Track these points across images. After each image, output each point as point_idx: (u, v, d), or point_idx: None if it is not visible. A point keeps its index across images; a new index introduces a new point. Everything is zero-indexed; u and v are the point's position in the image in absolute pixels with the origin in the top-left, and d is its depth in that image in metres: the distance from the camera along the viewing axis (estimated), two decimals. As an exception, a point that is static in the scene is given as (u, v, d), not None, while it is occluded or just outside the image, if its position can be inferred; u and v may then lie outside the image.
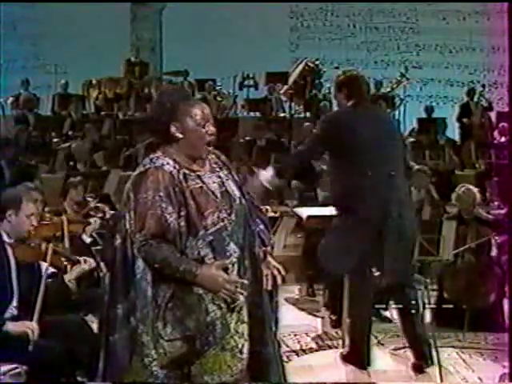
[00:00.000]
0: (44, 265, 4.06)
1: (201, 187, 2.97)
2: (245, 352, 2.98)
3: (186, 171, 2.97)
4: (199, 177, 3.00)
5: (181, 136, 2.99)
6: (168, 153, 3.00)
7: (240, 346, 2.96)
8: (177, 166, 2.96)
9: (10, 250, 3.99)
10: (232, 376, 2.95)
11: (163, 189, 2.89)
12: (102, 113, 13.02)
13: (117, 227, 2.97)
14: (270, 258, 3.17)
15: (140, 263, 2.87)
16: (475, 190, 6.25)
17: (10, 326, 3.78)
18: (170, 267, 2.85)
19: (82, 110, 12.95)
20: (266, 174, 4.67)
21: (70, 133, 12.09)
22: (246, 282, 2.95)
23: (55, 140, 11.82)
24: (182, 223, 2.89)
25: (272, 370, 3.08)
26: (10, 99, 13.15)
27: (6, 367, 3.83)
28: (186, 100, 3.06)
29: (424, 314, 4.79)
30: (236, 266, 2.98)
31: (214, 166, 3.11)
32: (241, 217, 3.04)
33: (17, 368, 3.87)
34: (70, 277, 4.34)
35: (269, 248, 3.20)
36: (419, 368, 4.64)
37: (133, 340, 2.88)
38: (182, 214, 2.89)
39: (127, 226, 2.91)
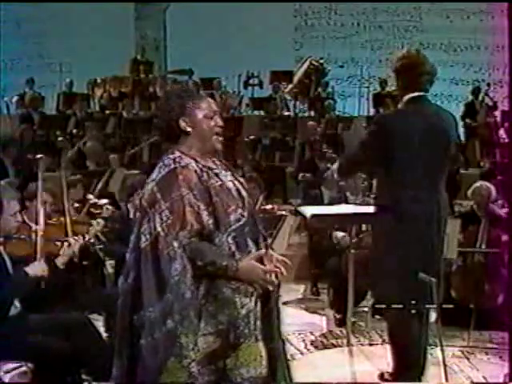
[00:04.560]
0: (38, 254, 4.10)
1: (221, 185, 3.01)
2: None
3: (206, 169, 3.01)
4: (217, 175, 3.04)
5: (190, 129, 3.03)
6: (185, 153, 3.03)
7: (262, 337, 2.99)
8: (199, 165, 3.00)
9: (1, 248, 4.02)
10: (265, 368, 2.97)
11: (194, 186, 2.92)
12: (107, 111, 13.04)
13: (141, 227, 2.93)
14: (271, 252, 3.15)
15: (178, 265, 2.84)
16: (492, 186, 6.25)
17: (30, 269, 3.89)
18: (214, 264, 2.86)
19: (87, 108, 12.97)
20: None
21: (74, 131, 12.11)
22: (279, 270, 2.97)
23: (60, 139, 11.85)
24: (211, 220, 2.91)
25: (277, 366, 3.10)
26: (15, 98, 13.19)
27: (11, 365, 3.85)
28: (195, 94, 3.14)
29: (429, 314, 4.78)
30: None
31: (221, 167, 3.15)
32: (250, 214, 3.08)
33: (22, 366, 3.89)
34: (61, 260, 4.38)
35: (269, 241, 3.23)
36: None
37: (170, 342, 2.86)
38: (210, 211, 2.92)
39: (158, 228, 2.87)
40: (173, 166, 2.96)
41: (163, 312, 2.86)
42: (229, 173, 3.14)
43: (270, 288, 2.97)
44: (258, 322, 3.00)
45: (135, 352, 2.92)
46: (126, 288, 2.96)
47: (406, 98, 4.18)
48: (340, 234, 6.45)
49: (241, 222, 2.97)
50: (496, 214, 6.15)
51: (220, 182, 3.01)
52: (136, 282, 2.92)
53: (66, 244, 4.43)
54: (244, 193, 3.11)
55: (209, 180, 2.97)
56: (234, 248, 2.94)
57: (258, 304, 3.01)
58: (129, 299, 2.94)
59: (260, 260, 3.02)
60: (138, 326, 2.90)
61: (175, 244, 2.85)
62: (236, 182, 3.12)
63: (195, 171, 2.96)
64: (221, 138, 3.10)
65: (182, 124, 3.03)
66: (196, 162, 3.00)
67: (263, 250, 3.00)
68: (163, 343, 2.86)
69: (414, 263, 4.17)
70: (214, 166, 3.08)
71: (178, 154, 3.01)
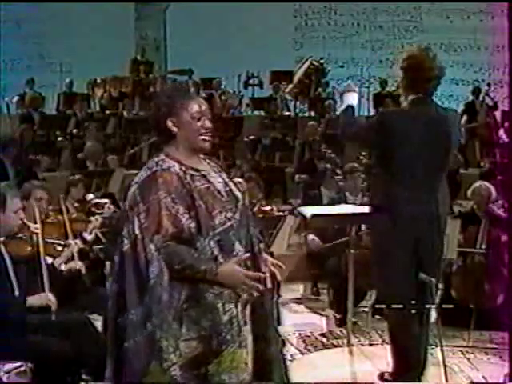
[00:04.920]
0: (41, 254, 4.10)
1: (207, 187, 2.98)
2: (249, 351, 2.98)
3: (192, 172, 2.98)
4: (204, 176, 3.01)
5: (176, 130, 3.01)
6: (171, 155, 3.01)
7: (246, 344, 2.96)
8: (183, 168, 2.97)
9: (2, 247, 4.01)
10: (249, 374, 2.95)
11: (174, 190, 2.89)
12: (107, 112, 13.04)
13: (123, 229, 2.94)
14: (266, 255, 3.15)
15: (154, 268, 2.84)
16: (492, 186, 6.24)
17: (32, 301, 3.85)
18: (191, 268, 2.84)
19: (87, 108, 12.97)
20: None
21: (74, 131, 12.12)
22: (262, 275, 2.95)
23: (60, 139, 11.86)
24: (192, 224, 2.88)
25: (275, 369, 3.08)
26: (16, 98, 13.20)
27: (11, 365, 3.84)
28: (185, 94, 3.09)
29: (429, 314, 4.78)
30: (242, 264, 2.96)
31: (215, 169, 3.13)
32: (244, 216, 3.05)
33: (22, 366, 3.88)
34: (59, 261, 4.37)
35: (262, 245, 3.19)
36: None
37: (150, 345, 2.85)
38: (192, 214, 2.89)
39: (136, 231, 2.88)
40: (154, 168, 2.95)
41: (143, 315, 2.85)
42: (222, 174, 3.11)
43: (254, 294, 2.93)
44: (247, 327, 2.97)
45: (121, 354, 2.92)
46: (114, 290, 2.96)
47: (410, 98, 4.14)
48: (310, 236, 6.46)
49: (225, 226, 2.94)
50: (496, 214, 6.14)
51: (206, 185, 2.98)
52: (120, 285, 2.91)
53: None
54: (238, 194, 3.09)
55: (193, 183, 2.95)
56: (216, 252, 2.91)
57: (248, 308, 2.98)
58: (115, 301, 2.94)
59: (257, 264, 3.02)
60: (122, 328, 2.90)
61: (151, 247, 2.84)
62: (230, 184, 3.10)
63: (177, 174, 2.94)
64: (207, 140, 3.05)
65: (169, 124, 3.01)
66: (180, 164, 2.97)
67: (246, 255, 2.95)
68: (144, 346, 2.86)
69: (413, 263, 4.16)
70: (203, 167, 3.05)
71: (162, 156, 3.00)
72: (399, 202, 4.11)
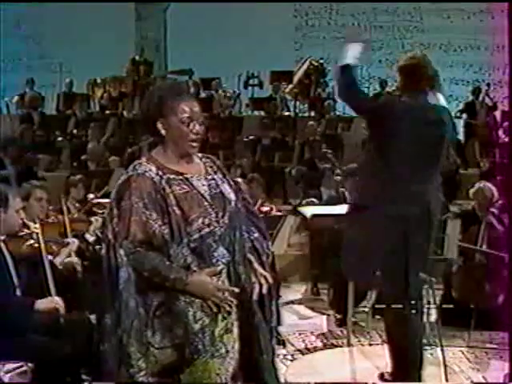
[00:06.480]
0: (43, 253, 4.11)
1: (186, 192, 2.90)
2: (229, 360, 2.94)
3: (171, 176, 2.91)
4: (187, 179, 2.94)
5: (164, 132, 2.94)
6: (153, 158, 2.96)
7: (225, 353, 2.91)
8: (160, 172, 2.90)
9: (3, 246, 4.01)
10: None
11: (146, 195, 2.84)
12: (107, 112, 13.04)
13: (102, 233, 2.94)
14: (256, 266, 3.05)
15: (123, 274, 2.82)
16: (494, 187, 6.25)
17: (39, 305, 3.83)
18: (160, 276, 2.80)
19: (87, 108, 12.98)
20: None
21: (74, 131, 12.13)
22: (236, 289, 2.89)
23: (60, 139, 11.87)
24: (166, 230, 2.83)
25: (267, 376, 3.04)
26: (15, 98, 13.21)
27: (11, 365, 3.84)
28: (176, 96, 2.96)
29: (429, 314, 4.78)
30: (225, 271, 2.92)
31: (209, 169, 3.05)
32: (235, 220, 2.98)
33: (22, 366, 3.89)
34: (59, 259, 4.37)
35: (264, 257, 3.10)
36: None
37: (120, 350, 2.85)
38: (165, 221, 2.84)
39: (110, 235, 2.85)
40: (130, 173, 2.91)
41: (114, 320, 2.84)
42: (216, 174, 3.03)
43: (227, 308, 2.88)
44: (230, 335, 2.92)
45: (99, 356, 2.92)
46: (99, 292, 2.96)
47: (406, 95, 4.26)
48: None
49: (203, 232, 2.87)
50: (493, 223, 6.12)
51: (186, 189, 2.90)
52: (101, 288, 2.90)
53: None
54: (231, 196, 3.01)
55: (169, 187, 2.87)
56: (190, 260, 2.85)
57: (233, 317, 2.93)
58: (99, 303, 2.94)
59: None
60: (100, 331, 2.91)
61: (121, 252, 2.82)
62: (224, 186, 3.01)
63: (152, 178, 2.87)
64: (195, 146, 2.96)
65: (159, 125, 2.93)
66: (159, 168, 2.91)
67: (218, 268, 2.89)
68: (115, 351, 2.85)
69: (401, 257, 4.15)
70: (186, 170, 2.96)
71: (142, 159, 2.96)
72: (388, 192, 4.12)
